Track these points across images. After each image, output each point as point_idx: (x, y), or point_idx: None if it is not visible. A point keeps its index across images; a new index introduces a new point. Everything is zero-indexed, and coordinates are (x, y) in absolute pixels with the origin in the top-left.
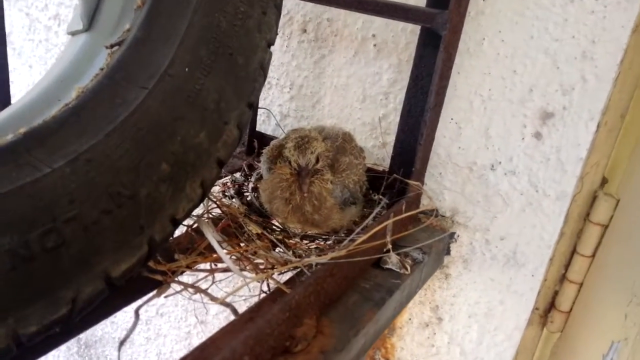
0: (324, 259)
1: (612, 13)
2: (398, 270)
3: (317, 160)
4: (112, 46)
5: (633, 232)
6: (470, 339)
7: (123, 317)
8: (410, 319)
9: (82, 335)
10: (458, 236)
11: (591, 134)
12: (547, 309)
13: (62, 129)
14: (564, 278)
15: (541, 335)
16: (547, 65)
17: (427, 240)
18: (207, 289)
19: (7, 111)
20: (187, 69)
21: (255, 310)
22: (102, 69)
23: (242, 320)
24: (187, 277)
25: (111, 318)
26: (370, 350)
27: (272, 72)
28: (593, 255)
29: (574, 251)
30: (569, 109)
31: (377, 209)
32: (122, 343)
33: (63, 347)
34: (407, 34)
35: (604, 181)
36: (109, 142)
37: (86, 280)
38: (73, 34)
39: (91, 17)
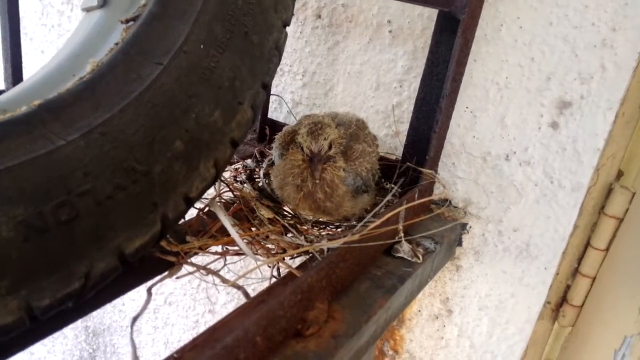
0: (336, 243)
1: None
2: (410, 258)
3: (330, 147)
4: (127, 21)
5: None
6: (481, 332)
7: (131, 305)
8: (419, 311)
9: (90, 324)
10: (470, 227)
11: (609, 125)
12: (558, 303)
13: (77, 102)
14: (576, 272)
15: (552, 330)
16: (565, 53)
17: (438, 231)
18: (218, 270)
19: (21, 85)
20: (202, 46)
21: (266, 294)
22: (117, 44)
23: (254, 303)
24: (199, 259)
25: (119, 306)
26: (379, 341)
27: (285, 59)
28: (607, 249)
29: (587, 244)
30: (587, 98)
31: (388, 196)
32: (135, 319)
33: (71, 335)
34: (424, 20)
35: (620, 174)
36: (123, 117)
37: (100, 256)
38: (88, 10)
39: None
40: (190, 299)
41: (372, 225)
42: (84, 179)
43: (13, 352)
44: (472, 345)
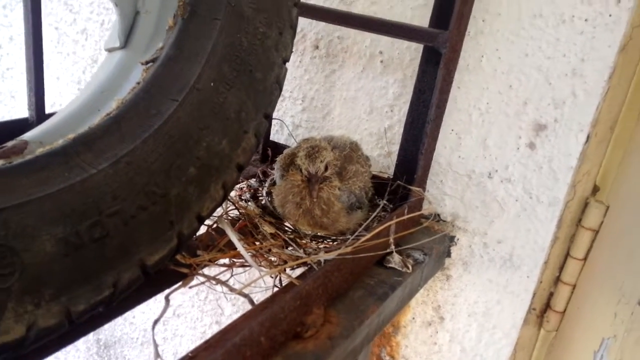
0: (331, 255)
1: (600, 34)
2: (400, 269)
3: (326, 168)
4: (147, 63)
5: (621, 237)
6: (470, 337)
7: (141, 317)
8: (413, 318)
9: (102, 336)
10: (458, 239)
11: (581, 145)
12: (543, 310)
13: (106, 136)
14: (558, 280)
15: (539, 335)
16: (540, 81)
17: (427, 243)
18: (226, 280)
19: (54, 119)
20: (212, 84)
21: (269, 301)
22: (138, 83)
23: (259, 308)
24: (208, 271)
25: (130, 319)
26: (376, 348)
27: (286, 85)
28: (585, 259)
29: (567, 255)
30: (560, 122)
31: (377, 212)
32: (155, 322)
33: (83, 348)
34: (412, 51)
35: (596, 189)
36: (145, 147)
37: (125, 268)
38: (110, 50)
39: (127, 35)
40: (198, 310)
41: (363, 239)
42: (113, 202)
43: (49, 353)
44: (462, 349)
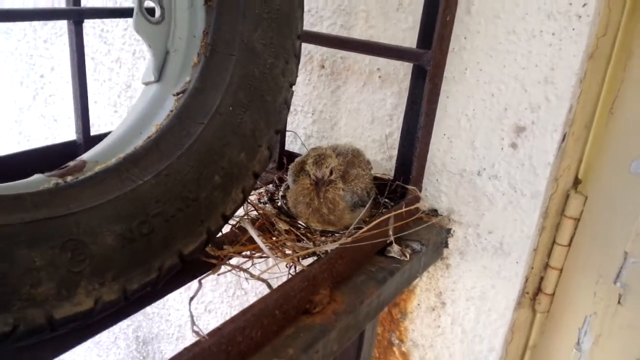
0: (334, 245)
1: (566, 45)
2: (399, 257)
3: (331, 173)
4: (177, 94)
5: (598, 224)
6: (469, 319)
7: (176, 314)
8: (419, 304)
9: (140, 333)
10: (454, 231)
11: (556, 143)
12: (535, 293)
13: (148, 154)
14: (547, 265)
15: (533, 316)
16: (517, 89)
17: (425, 235)
18: (248, 269)
19: (105, 142)
20: (231, 108)
21: (283, 284)
22: (171, 111)
23: (274, 290)
24: (233, 262)
25: (165, 316)
26: (386, 333)
27: (298, 101)
28: (569, 245)
29: (554, 242)
30: (537, 124)
31: (369, 203)
32: (191, 299)
33: (123, 345)
34: (405, 67)
35: (578, 182)
36: (179, 162)
37: (167, 256)
38: (146, 84)
39: (160, 71)
40: (227, 306)
41: (362, 230)
42: (156, 205)
43: (108, 326)
44: (463, 331)
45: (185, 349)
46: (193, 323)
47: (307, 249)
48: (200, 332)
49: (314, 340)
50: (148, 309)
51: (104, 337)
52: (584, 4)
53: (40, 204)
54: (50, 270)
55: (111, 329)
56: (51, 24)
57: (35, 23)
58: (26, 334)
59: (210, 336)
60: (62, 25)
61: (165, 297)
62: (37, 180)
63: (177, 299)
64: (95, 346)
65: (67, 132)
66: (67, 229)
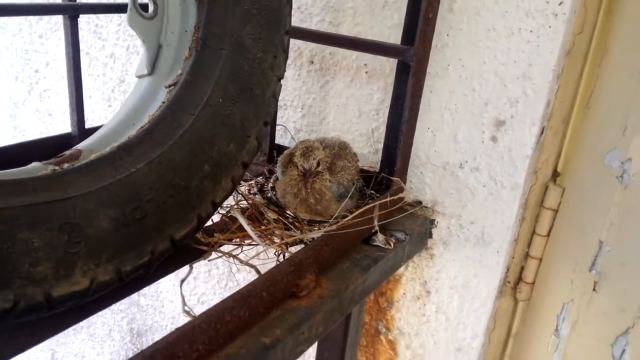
0: (319, 232)
1: (543, 42)
2: (383, 246)
3: (318, 165)
4: (169, 86)
5: (575, 214)
6: (453, 307)
7: (169, 306)
8: (404, 294)
9: (135, 325)
10: (438, 222)
11: (534, 136)
12: (516, 282)
13: (141, 143)
14: (527, 255)
15: (515, 305)
16: (497, 84)
17: (409, 225)
18: (237, 255)
19: (100, 132)
20: (221, 100)
21: (271, 269)
22: (163, 102)
23: (262, 275)
24: (224, 249)
25: (159, 308)
26: (374, 322)
27: (287, 96)
28: (548, 235)
29: (533, 232)
30: (516, 117)
31: (351, 191)
32: (182, 281)
33: (117, 337)
34: (390, 63)
35: (557, 174)
36: (171, 151)
37: (159, 240)
38: (140, 77)
39: (152, 65)
40: (219, 297)
41: (346, 219)
42: (149, 192)
43: (101, 308)
44: (447, 319)
45: (177, 328)
46: (184, 304)
47: (294, 236)
48: (191, 312)
49: (300, 321)
50: (142, 301)
51: (99, 329)
52: (560, 3)
53: (39, 188)
54: (49, 251)
55: (105, 321)
56: (46, 19)
57: (31, 18)
58: (26, 311)
59: (200, 316)
60: (57, 20)
61: (159, 290)
62: (35, 168)
63: (170, 290)
64: (89, 338)
65: (62, 126)
66: (64, 212)
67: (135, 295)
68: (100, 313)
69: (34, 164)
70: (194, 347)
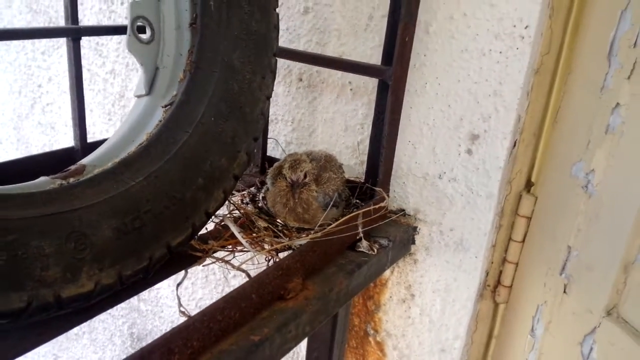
0: (305, 239)
1: (512, 63)
2: (367, 251)
3: (305, 176)
4: (166, 106)
5: (547, 221)
6: (436, 309)
7: (168, 311)
8: (391, 297)
9: (135, 330)
10: (420, 229)
11: (506, 149)
12: (495, 285)
13: (140, 159)
14: (505, 260)
15: (495, 308)
16: (471, 101)
17: (393, 232)
18: (229, 260)
19: (101, 148)
20: (213, 118)
21: (259, 274)
22: (160, 121)
23: (251, 278)
24: (217, 255)
25: (159, 313)
26: (363, 324)
27: (278, 111)
28: (523, 241)
29: (510, 239)
30: (489, 132)
31: (337, 199)
32: (178, 285)
33: (119, 342)
34: (373, 81)
35: (531, 184)
36: (167, 166)
37: (157, 247)
38: (138, 96)
39: (150, 85)
40: None
41: (330, 226)
42: (147, 204)
43: (103, 310)
44: (431, 320)
45: (174, 327)
46: (180, 304)
47: (282, 243)
48: (186, 312)
49: (287, 321)
50: (142, 307)
51: (100, 334)
52: (526, 26)
53: (48, 201)
54: (58, 257)
55: (107, 326)
56: None
57: None
58: (38, 310)
59: (195, 315)
60: (58, 38)
61: (158, 295)
62: (44, 182)
63: (169, 296)
64: (91, 343)
65: (64, 139)
66: (71, 222)
67: (135, 301)
68: (101, 318)
69: (42, 179)
70: (188, 343)
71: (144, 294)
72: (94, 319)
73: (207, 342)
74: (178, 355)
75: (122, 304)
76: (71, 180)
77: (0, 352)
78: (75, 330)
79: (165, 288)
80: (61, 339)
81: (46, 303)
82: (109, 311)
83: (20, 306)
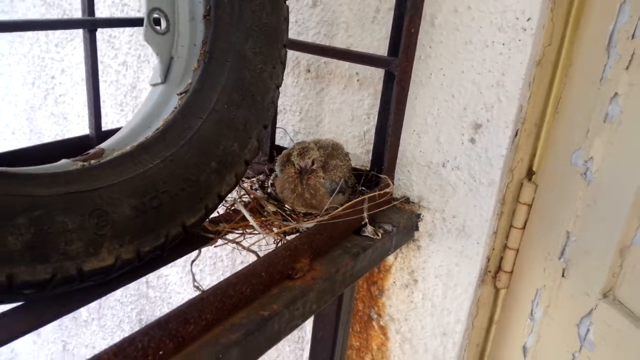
0: (312, 222)
1: (514, 54)
2: (372, 236)
3: (313, 163)
4: (181, 94)
5: (547, 209)
6: (438, 294)
7: (176, 297)
8: (394, 282)
9: (144, 316)
10: (423, 216)
11: (508, 138)
12: (496, 271)
13: (157, 143)
14: (505, 246)
15: (496, 293)
16: (474, 91)
17: (397, 219)
18: (240, 242)
19: (120, 134)
20: (225, 106)
21: (269, 253)
22: (175, 108)
23: (261, 257)
24: (229, 237)
25: (167, 300)
26: (366, 309)
27: (287, 101)
28: (524, 228)
29: (511, 226)
30: (491, 121)
31: (343, 186)
32: (193, 262)
33: (127, 328)
34: (379, 72)
35: (532, 173)
36: (182, 150)
37: (172, 226)
38: (154, 85)
39: (165, 75)
40: None
41: (336, 210)
42: (163, 185)
43: (120, 285)
44: (433, 305)
45: (188, 300)
46: (194, 280)
47: (290, 225)
48: (200, 287)
49: (295, 299)
50: (150, 293)
51: (109, 321)
52: (529, 19)
53: (71, 180)
54: (81, 233)
55: (115, 313)
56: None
57: None
58: (61, 282)
59: (208, 290)
60: (73, 30)
61: (167, 282)
62: (66, 164)
63: (177, 283)
64: (100, 330)
65: (76, 129)
66: (93, 200)
67: (144, 288)
68: (110, 305)
69: (64, 161)
70: (202, 315)
71: (153, 281)
72: (103, 305)
73: (220, 315)
74: (193, 325)
75: (131, 291)
76: (92, 162)
77: (26, 321)
78: (84, 316)
79: (173, 275)
80: (70, 325)
81: (69, 275)
82: (117, 298)
83: (45, 277)
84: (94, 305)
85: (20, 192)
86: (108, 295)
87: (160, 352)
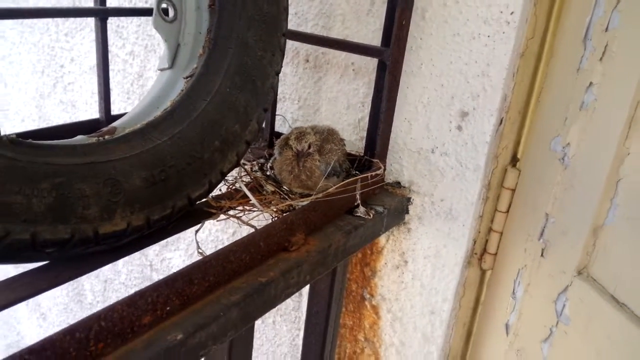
0: (308, 199)
1: (498, 46)
2: (364, 216)
3: (309, 147)
4: (187, 77)
5: (529, 193)
6: (427, 274)
7: None
8: (385, 264)
9: None
10: (413, 200)
11: (492, 126)
12: (482, 253)
13: (164, 121)
14: (490, 230)
15: (482, 275)
16: (461, 81)
17: (388, 202)
18: (240, 217)
19: (129, 114)
20: (228, 89)
21: (266, 226)
22: (182, 90)
23: (259, 229)
24: (230, 213)
25: None
26: (360, 289)
27: (286, 90)
28: (507, 211)
29: (495, 210)
30: (477, 109)
31: (337, 168)
32: (197, 231)
33: None
34: (374, 62)
35: (516, 159)
36: (188, 128)
37: (179, 198)
38: (162, 70)
39: (172, 60)
40: None
41: (330, 189)
42: (171, 160)
43: (131, 252)
44: (422, 285)
45: (192, 262)
46: (198, 247)
47: (287, 202)
48: (204, 253)
49: (290, 268)
50: (154, 276)
51: None
52: (512, 12)
53: (88, 152)
54: (96, 199)
55: (120, 295)
56: (72, 19)
57: (58, 18)
58: (79, 243)
59: (211, 254)
60: (82, 20)
61: (170, 265)
62: (82, 139)
63: (180, 265)
64: None
65: (84, 116)
66: (107, 171)
67: (148, 271)
68: (115, 288)
69: (80, 137)
70: (206, 277)
71: (157, 264)
72: (108, 289)
73: (222, 279)
74: (197, 286)
75: (135, 274)
76: (106, 137)
77: (47, 279)
78: (89, 299)
79: (176, 258)
80: (75, 308)
81: (86, 237)
82: (122, 281)
83: (65, 237)
84: (99, 288)
85: (44, 160)
86: (113, 279)
87: (167, 308)
